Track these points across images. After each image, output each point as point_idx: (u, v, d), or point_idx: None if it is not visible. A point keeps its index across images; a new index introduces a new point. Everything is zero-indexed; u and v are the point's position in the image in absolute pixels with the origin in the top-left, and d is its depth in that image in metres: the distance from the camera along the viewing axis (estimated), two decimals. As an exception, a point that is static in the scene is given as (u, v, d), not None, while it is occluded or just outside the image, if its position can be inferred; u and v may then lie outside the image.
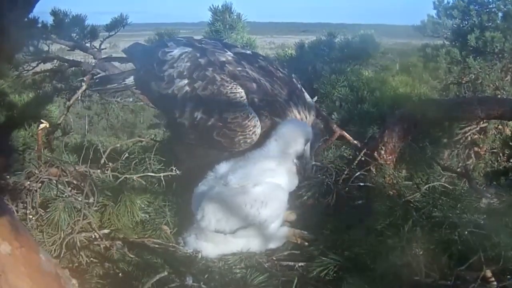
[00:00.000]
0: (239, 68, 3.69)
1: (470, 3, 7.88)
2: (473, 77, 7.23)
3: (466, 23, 7.87)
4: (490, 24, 7.55)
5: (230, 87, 3.58)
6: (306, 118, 3.67)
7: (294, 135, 3.47)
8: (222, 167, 3.54)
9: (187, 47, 3.87)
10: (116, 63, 5.50)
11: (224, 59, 3.74)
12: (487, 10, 7.81)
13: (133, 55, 4.37)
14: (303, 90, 3.90)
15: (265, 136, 3.54)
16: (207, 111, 3.59)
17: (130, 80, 4.16)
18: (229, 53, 3.82)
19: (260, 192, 3.29)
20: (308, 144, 3.53)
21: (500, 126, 7.18)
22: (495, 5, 7.80)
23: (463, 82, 7.33)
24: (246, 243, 3.35)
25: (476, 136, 7.14)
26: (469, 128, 6.92)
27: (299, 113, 3.65)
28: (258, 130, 3.55)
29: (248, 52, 4.01)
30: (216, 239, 3.34)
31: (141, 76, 4.07)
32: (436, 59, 7.22)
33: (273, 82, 3.70)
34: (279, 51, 7.48)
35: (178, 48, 3.86)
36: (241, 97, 3.57)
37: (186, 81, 3.67)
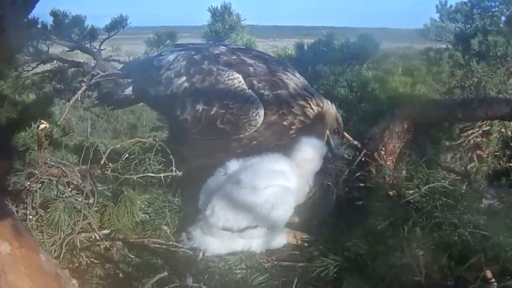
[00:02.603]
0: (234, 57, 3.78)
1: (473, 7, 7.87)
2: (476, 80, 7.20)
3: (469, 26, 7.86)
4: (493, 28, 7.53)
5: (226, 74, 3.66)
6: (303, 83, 3.79)
7: (311, 162, 3.54)
8: (233, 164, 3.56)
9: (181, 50, 3.95)
10: (116, 64, 5.53)
11: (217, 51, 3.83)
12: (490, 14, 7.80)
13: (130, 70, 4.43)
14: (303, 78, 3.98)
15: (278, 133, 3.64)
16: (208, 102, 3.65)
17: (129, 90, 4.21)
18: (223, 46, 3.94)
19: (271, 194, 3.30)
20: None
21: (502, 129, 7.16)
22: (498, 9, 7.79)
23: (466, 85, 7.31)
24: (251, 242, 3.35)
25: (478, 139, 7.12)
26: (471, 131, 6.91)
27: (295, 76, 3.79)
28: (262, 112, 3.62)
29: (243, 46, 4.22)
30: (222, 236, 3.35)
31: (139, 85, 4.13)
32: (439, 63, 7.19)
33: (269, 63, 3.81)
34: (280, 52, 7.50)
35: (173, 54, 3.94)
36: (239, 81, 3.65)
37: (184, 78, 3.74)
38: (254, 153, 3.58)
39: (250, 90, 3.63)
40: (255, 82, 3.67)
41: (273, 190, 3.32)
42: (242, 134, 3.65)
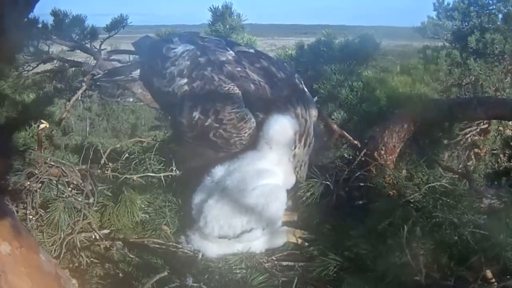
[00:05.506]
0: (239, 68, 3.65)
1: (470, 4, 7.87)
2: (473, 79, 7.21)
3: (467, 24, 7.86)
4: (490, 25, 7.55)
5: (227, 88, 3.55)
6: (306, 121, 3.64)
7: (283, 134, 3.46)
8: (218, 171, 3.54)
9: (190, 44, 3.84)
10: (116, 63, 5.51)
11: (224, 58, 3.71)
12: (487, 11, 7.81)
13: (140, 48, 4.38)
14: (305, 91, 3.87)
15: (257, 135, 3.54)
16: (204, 111, 3.58)
17: (136, 73, 4.18)
18: (230, 52, 3.78)
19: (260, 195, 3.29)
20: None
21: (500, 128, 7.18)
22: (495, 7, 7.80)
23: (464, 84, 7.32)
24: (249, 244, 3.36)
25: (476, 137, 7.14)
26: (469, 129, 6.92)
27: (297, 116, 3.62)
28: (254, 131, 3.55)
29: (251, 50, 3.95)
30: (220, 242, 3.36)
31: (145, 71, 4.08)
32: (437, 61, 7.20)
33: (273, 84, 3.66)
34: (280, 51, 7.47)
35: (182, 45, 3.84)
36: (238, 98, 3.55)
37: (185, 80, 3.66)
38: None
39: (246, 109, 3.55)
40: (253, 101, 3.58)
41: (261, 190, 3.31)
42: (232, 150, 3.60)
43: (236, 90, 3.56)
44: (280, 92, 3.65)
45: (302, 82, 3.92)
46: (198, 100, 3.62)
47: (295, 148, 3.52)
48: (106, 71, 4.75)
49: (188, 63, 3.70)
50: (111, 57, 5.94)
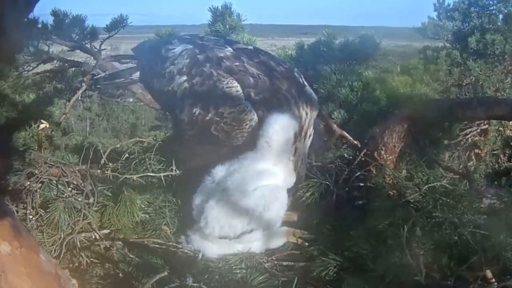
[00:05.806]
0: (237, 63, 3.68)
1: (471, 5, 7.88)
2: (473, 79, 7.23)
3: (467, 25, 7.86)
4: (491, 26, 7.56)
5: (226, 82, 3.57)
6: (306, 114, 3.64)
7: (283, 133, 3.45)
8: (219, 171, 3.54)
9: (189, 44, 3.86)
10: (116, 63, 5.51)
11: (222, 54, 3.73)
12: (488, 12, 7.82)
13: (139, 52, 4.39)
14: (305, 84, 3.86)
15: (256, 134, 3.53)
16: (205, 107, 3.59)
17: (136, 75, 4.20)
18: (228, 48, 3.80)
19: (261, 196, 3.28)
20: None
21: (500, 128, 7.19)
22: (496, 7, 7.81)
23: (464, 84, 7.33)
24: (249, 244, 3.36)
25: (476, 138, 7.15)
26: (469, 130, 6.94)
27: (298, 109, 3.62)
28: (255, 124, 3.54)
29: (250, 47, 3.97)
30: (220, 242, 3.36)
31: (145, 72, 4.10)
32: (437, 61, 7.20)
33: (273, 76, 3.67)
34: (280, 51, 7.47)
35: (181, 46, 3.85)
36: (237, 91, 3.56)
37: (185, 77, 3.68)
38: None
39: (247, 102, 3.55)
40: (253, 94, 3.59)
41: (262, 191, 3.31)
42: (234, 143, 3.60)
43: (235, 83, 3.58)
44: (280, 84, 3.66)
45: (302, 76, 3.91)
46: (198, 96, 3.63)
47: (295, 142, 3.52)
48: (106, 75, 4.77)
49: (187, 61, 3.72)
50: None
